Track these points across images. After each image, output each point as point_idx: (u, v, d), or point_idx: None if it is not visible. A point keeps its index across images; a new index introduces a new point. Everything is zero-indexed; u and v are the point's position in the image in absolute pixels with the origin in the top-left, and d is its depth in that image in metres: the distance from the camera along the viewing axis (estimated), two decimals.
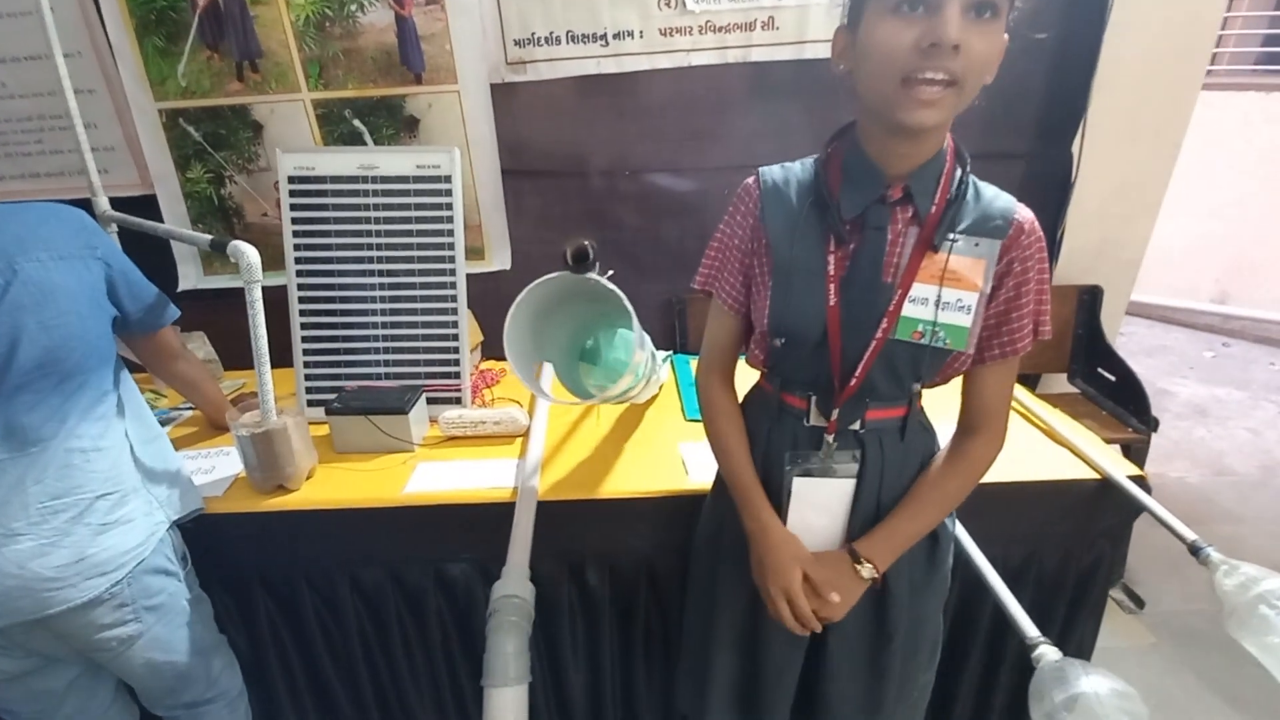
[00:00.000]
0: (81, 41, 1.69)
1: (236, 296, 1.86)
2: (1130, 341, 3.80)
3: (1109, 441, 1.62)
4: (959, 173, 0.74)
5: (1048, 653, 0.78)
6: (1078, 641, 1.21)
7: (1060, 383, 2.12)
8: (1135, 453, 1.83)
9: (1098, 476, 1.11)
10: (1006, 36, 0.66)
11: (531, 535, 0.92)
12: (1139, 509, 1.08)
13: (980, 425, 0.80)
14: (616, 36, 1.74)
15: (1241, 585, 0.82)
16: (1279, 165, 3.69)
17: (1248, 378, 3.42)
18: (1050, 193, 1.94)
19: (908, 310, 0.74)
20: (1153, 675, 1.66)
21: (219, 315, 1.75)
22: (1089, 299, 2.01)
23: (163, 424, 1.39)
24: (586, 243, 0.73)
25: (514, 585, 0.81)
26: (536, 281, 0.84)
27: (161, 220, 1.81)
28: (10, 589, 0.86)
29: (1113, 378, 1.94)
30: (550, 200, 1.92)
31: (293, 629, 1.19)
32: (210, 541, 1.10)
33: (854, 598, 0.79)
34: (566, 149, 1.86)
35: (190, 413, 1.44)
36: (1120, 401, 1.91)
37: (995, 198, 0.75)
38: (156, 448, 1.04)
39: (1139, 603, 1.85)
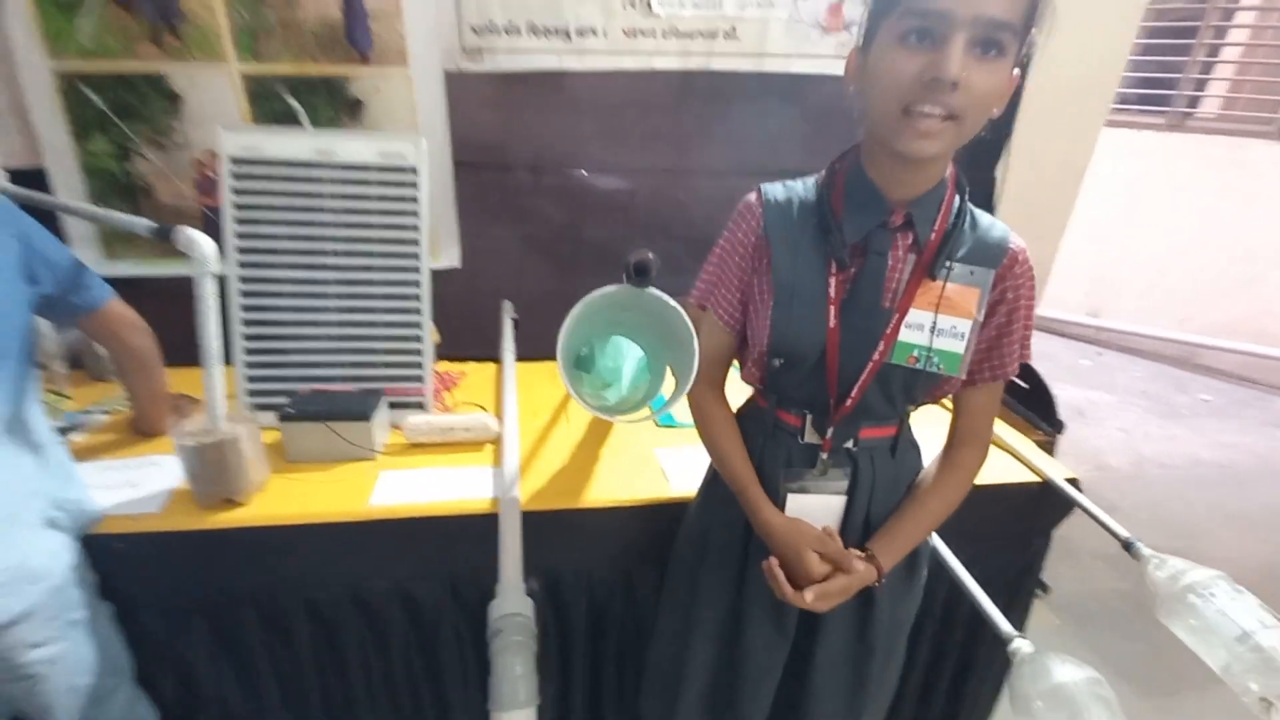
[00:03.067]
0: None
1: (146, 285, 1.69)
2: None
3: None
4: (958, 201, 0.76)
5: (1023, 646, 0.85)
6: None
7: None
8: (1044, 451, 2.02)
9: (1038, 479, 1.21)
10: (1018, 72, 0.68)
11: (521, 548, 0.89)
12: (1071, 507, 1.19)
13: (970, 440, 0.85)
14: (579, 33, 1.70)
15: (1171, 577, 0.92)
16: (1139, 194, 4.21)
17: (1115, 383, 3.87)
18: None
19: (904, 335, 0.76)
20: None
21: None
22: None
23: (71, 429, 1.23)
24: (650, 255, 0.70)
25: (513, 603, 0.78)
26: (594, 293, 0.78)
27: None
28: None
29: (1026, 385, 2.13)
30: (501, 196, 1.85)
31: (235, 660, 1.09)
32: (143, 563, 0.99)
33: (856, 586, 0.80)
34: (522, 144, 1.80)
35: (104, 418, 1.28)
36: (1031, 406, 2.10)
37: (991, 227, 0.78)
38: (61, 449, 0.95)
39: (1044, 588, 2.04)
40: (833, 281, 0.77)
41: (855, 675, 0.94)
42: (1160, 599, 0.93)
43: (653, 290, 0.76)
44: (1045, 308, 4.50)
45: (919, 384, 0.79)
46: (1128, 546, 1.02)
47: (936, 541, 1.06)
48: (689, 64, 1.76)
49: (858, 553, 0.81)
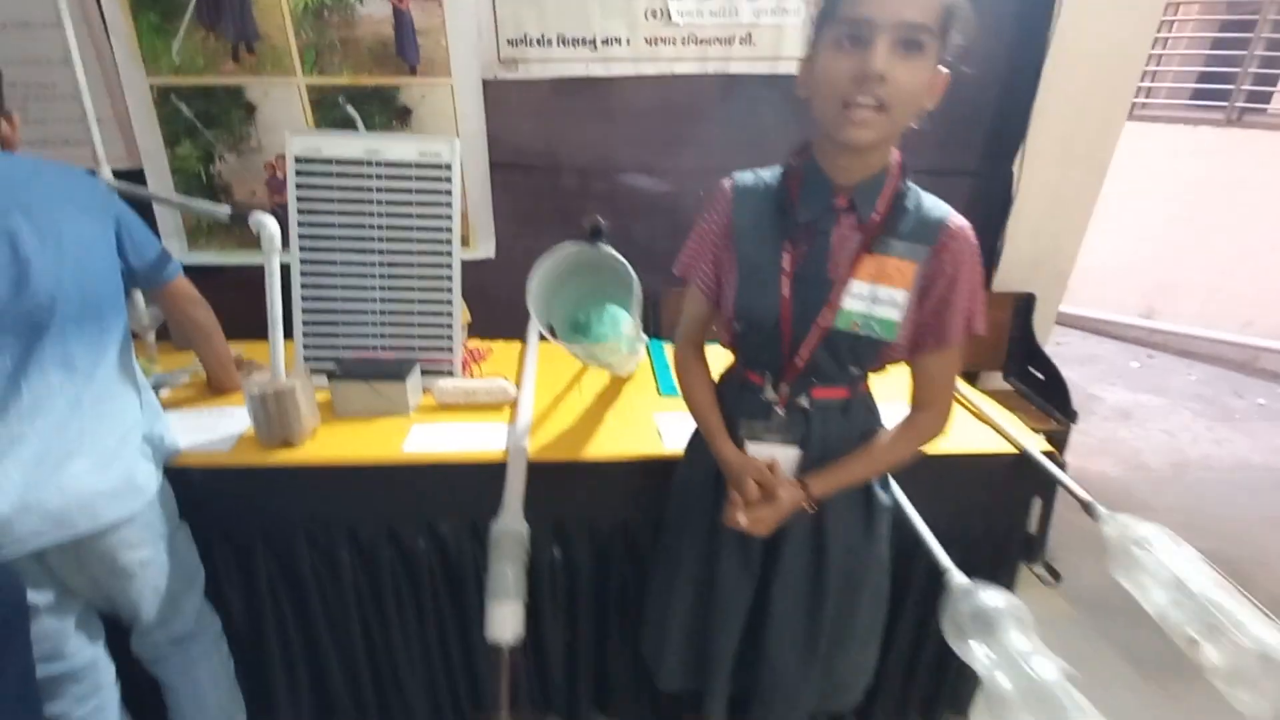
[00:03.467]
0: (70, 12, 1.71)
1: (223, 273, 1.92)
2: (1065, 350, 4.09)
3: (1036, 431, 1.82)
4: (902, 185, 0.87)
5: (956, 576, 0.94)
6: None
7: (996, 379, 2.33)
8: (1057, 441, 2.04)
9: (1015, 451, 1.28)
10: (946, 70, 0.79)
11: (524, 484, 1.03)
12: (1049, 480, 1.25)
13: (926, 404, 0.94)
14: (605, 42, 1.85)
15: (1120, 533, 0.98)
16: (1201, 194, 4.04)
17: (1168, 386, 3.73)
18: (993, 207, 2.14)
19: (846, 304, 0.86)
20: (1070, 642, 1.86)
21: (206, 292, 1.81)
22: (1024, 305, 2.21)
23: (159, 387, 1.45)
24: (599, 219, 0.88)
25: (512, 522, 0.93)
26: (557, 246, 1.00)
27: None
28: (69, 502, 0.95)
29: (1042, 376, 2.15)
30: (534, 194, 2.02)
31: (289, 585, 1.27)
32: (215, 492, 1.18)
33: (786, 509, 0.91)
34: (552, 146, 1.96)
35: (186, 378, 1.50)
36: (1047, 397, 2.12)
37: (934, 208, 0.87)
38: (152, 394, 1.15)
39: (1056, 576, 2.06)
40: (787, 256, 0.88)
41: (810, 619, 1.04)
42: (1111, 554, 1.00)
43: (604, 246, 0.94)
44: (1092, 308, 4.37)
45: (862, 348, 0.89)
46: (1087, 508, 1.08)
47: (897, 491, 1.14)
48: (707, 69, 1.88)
49: (791, 480, 0.92)
